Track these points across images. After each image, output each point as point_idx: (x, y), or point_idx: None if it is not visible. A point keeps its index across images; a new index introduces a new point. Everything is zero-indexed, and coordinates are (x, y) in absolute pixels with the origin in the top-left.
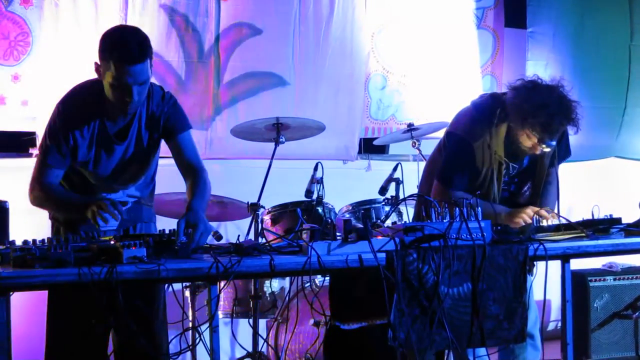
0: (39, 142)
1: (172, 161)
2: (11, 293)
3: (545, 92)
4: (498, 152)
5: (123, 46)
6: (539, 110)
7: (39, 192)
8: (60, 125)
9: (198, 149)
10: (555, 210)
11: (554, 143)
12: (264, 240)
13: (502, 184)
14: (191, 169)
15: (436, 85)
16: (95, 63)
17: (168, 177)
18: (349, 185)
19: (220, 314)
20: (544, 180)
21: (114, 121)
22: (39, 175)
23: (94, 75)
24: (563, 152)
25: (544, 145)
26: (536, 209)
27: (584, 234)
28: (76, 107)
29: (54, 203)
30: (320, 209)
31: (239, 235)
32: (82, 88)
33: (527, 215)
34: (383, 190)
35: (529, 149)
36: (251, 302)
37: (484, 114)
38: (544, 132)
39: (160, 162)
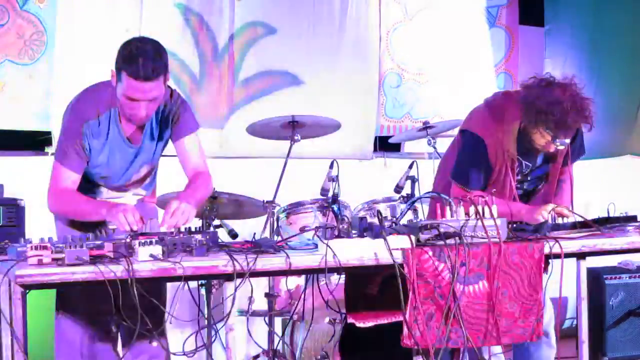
0: (54, 140)
1: None
2: (27, 291)
3: (558, 89)
4: (511, 150)
5: (137, 62)
6: (552, 108)
7: (58, 199)
8: (75, 128)
9: (213, 148)
10: (571, 208)
11: (567, 141)
12: (279, 238)
13: (516, 182)
14: (194, 172)
15: (451, 83)
16: (112, 70)
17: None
18: (364, 183)
19: (235, 312)
20: (557, 179)
21: (127, 124)
22: (57, 183)
23: (107, 75)
24: (577, 151)
25: (557, 143)
26: (556, 206)
27: (599, 232)
28: (90, 110)
29: (74, 210)
30: (335, 207)
31: (254, 233)
32: (95, 91)
33: (547, 211)
34: (398, 188)
35: (543, 147)
36: (267, 300)
37: (497, 111)
38: (558, 129)
39: (172, 160)
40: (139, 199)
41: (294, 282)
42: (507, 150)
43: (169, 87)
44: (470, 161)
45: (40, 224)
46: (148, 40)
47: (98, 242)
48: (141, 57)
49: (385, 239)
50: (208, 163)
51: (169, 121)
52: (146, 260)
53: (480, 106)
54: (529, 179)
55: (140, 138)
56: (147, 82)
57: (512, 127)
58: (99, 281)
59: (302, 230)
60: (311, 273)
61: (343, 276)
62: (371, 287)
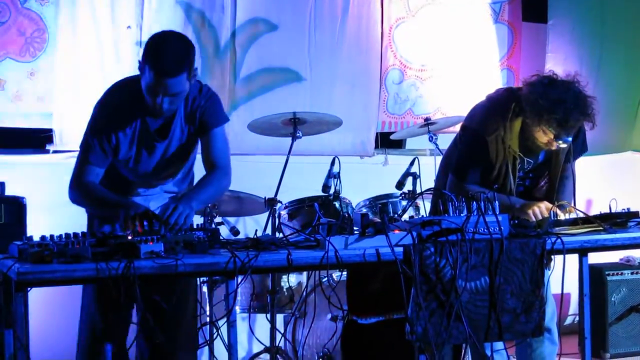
0: (55, 138)
1: None
2: (29, 289)
3: (561, 87)
4: (512, 147)
5: (160, 57)
6: (555, 106)
7: (79, 191)
8: (102, 123)
9: None
10: (572, 205)
11: (570, 139)
12: (281, 235)
13: (517, 179)
14: (212, 166)
15: (454, 80)
16: (139, 61)
17: None
18: (366, 180)
19: (237, 309)
20: (559, 175)
21: (155, 118)
22: (79, 174)
23: (109, 72)
24: (579, 148)
25: (560, 141)
26: (550, 205)
27: (601, 228)
28: (118, 104)
29: (93, 203)
30: (337, 204)
31: (256, 230)
32: (124, 85)
33: (539, 208)
34: (400, 184)
35: (545, 144)
36: (268, 297)
37: (499, 108)
38: (561, 128)
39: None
40: (171, 196)
41: (296, 279)
42: (508, 147)
43: (198, 81)
44: (470, 157)
45: (41, 222)
46: (172, 35)
47: (99, 239)
48: (164, 53)
49: (387, 236)
50: None
51: (196, 115)
52: (147, 258)
53: (483, 102)
54: (530, 175)
55: (168, 133)
56: (170, 79)
57: (514, 124)
58: (100, 278)
59: (304, 227)
60: (313, 270)
61: (345, 273)
62: (373, 283)
